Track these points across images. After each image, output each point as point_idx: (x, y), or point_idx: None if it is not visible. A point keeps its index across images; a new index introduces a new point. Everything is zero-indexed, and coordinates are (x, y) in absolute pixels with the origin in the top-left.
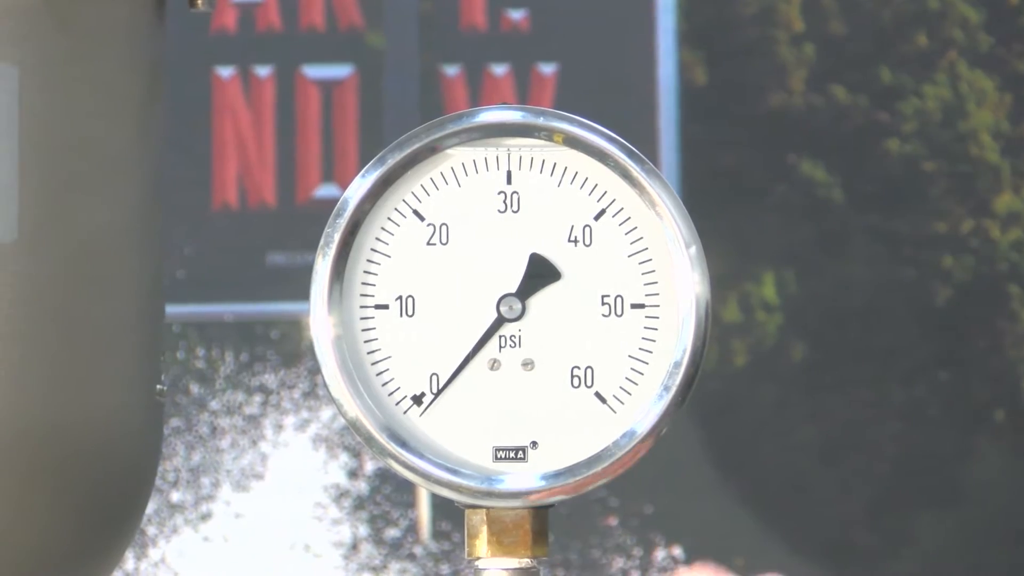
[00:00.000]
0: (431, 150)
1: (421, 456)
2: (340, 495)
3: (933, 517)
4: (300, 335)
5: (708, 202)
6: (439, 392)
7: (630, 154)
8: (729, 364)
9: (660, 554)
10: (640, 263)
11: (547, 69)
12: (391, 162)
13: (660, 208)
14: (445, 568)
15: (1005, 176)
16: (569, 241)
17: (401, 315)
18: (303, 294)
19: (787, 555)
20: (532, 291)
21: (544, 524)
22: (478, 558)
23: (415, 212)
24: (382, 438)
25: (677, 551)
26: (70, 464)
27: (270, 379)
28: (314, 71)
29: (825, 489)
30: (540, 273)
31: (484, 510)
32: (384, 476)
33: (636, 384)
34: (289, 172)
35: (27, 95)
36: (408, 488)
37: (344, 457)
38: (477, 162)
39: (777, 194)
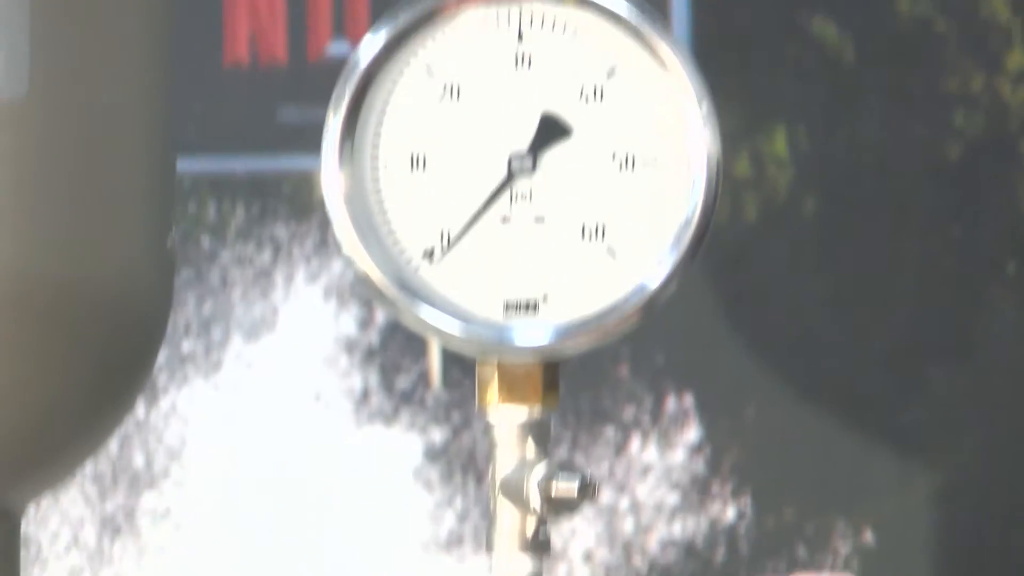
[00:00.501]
0: (443, 8)
1: (432, 311)
2: (351, 345)
3: (946, 369)
4: (311, 189)
5: (719, 60)
6: (450, 246)
7: (642, 12)
8: (740, 218)
9: (671, 403)
10: (651, 120)
11: None
12: (403, 19)
13: (671, 65)
14: (456, 416)
15: (1016, 35)
16: (581, 98)
17: (412, 171)
18: (315, 149)
19: (798, 405)
20: (543, 147)
21: (555, 376)
22: (489, 408)
23: (426, 69)
24: (393, 293)
25: (688, 400)
26: (82, 316)
27: (281, 231)
28: None
29: (837, 341)
30: (551, 130)
31: (495, 363)
32: (395, 326)
33: (647, 240)
34: (300, 29)
35: None
36: (419, 338)
37: (355, 308)
38: (489, 20)
39: (789, 52)
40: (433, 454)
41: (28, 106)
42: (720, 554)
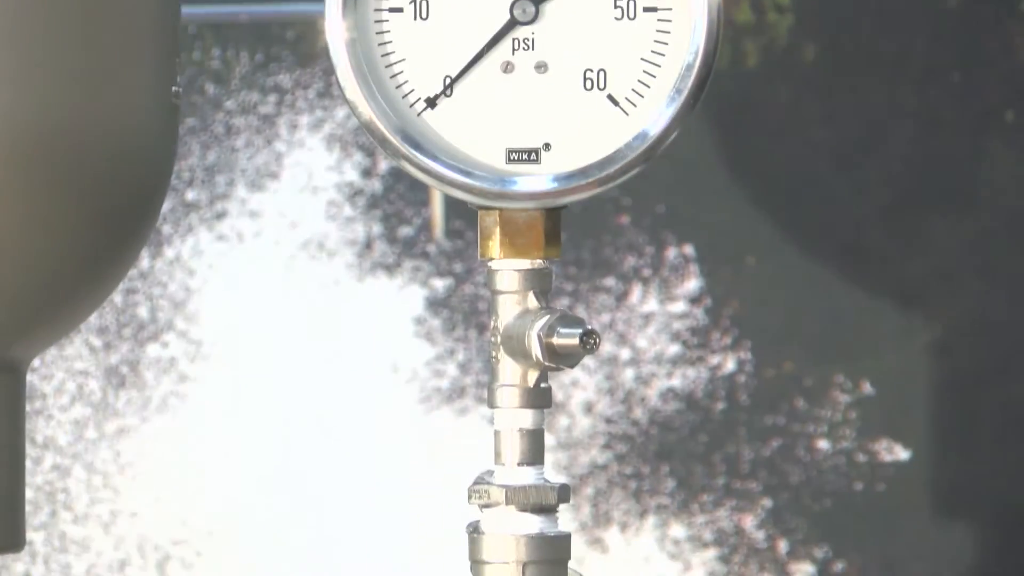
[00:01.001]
0: None
1: (435, 158)
2: (354, 194)
3: (947, 219)
4: (316, 36)
5: None
6: (452, 91)
7: None
8: (741, 65)
9: (672, 252)
10: None
11: None
12: None
13: None
14: (458, 266)
15: None
16: None
17: (415, 18)
18: None
19: (800, 255)
20: None
21: (557, 225)
22: (491, 259)
23: None
24: (396, 140)
25: (688, 250)
26: (86, 166)
27: (285, 79)
28: None
29: (838, 190)
30: None
31: (497, 211)
32: (398, 175)
33: (648, 87)
34: None
35: None
36: (422, 187)
37: (358, 156)
38: None
39: None
40: (435, 304)
41: None
42: (719, 405)
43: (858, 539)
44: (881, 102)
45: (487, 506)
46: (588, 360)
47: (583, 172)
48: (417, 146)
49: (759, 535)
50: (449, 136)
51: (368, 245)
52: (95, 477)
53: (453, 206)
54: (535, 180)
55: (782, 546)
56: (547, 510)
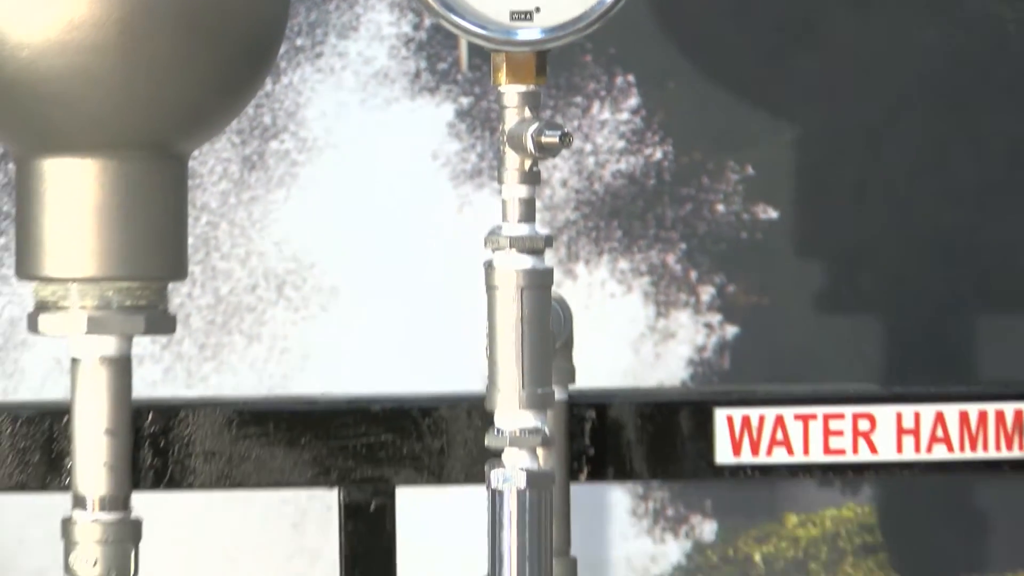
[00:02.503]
0: None
1: (462, 17)
2: (408, 41)
3: (837, 16)
4: None
5: None
6: None
7: None
8: None
9: (619, 80)
10: None
11: None
12: None
13: None
14: (477, 89)
15: None
16: None
17: None
18: None
19: (705, 82)
20: None
21: (544, 62)
22: (500, 84)
23: None
24: (436, 5)
25: (631, 78)
26: (233, 21)
27: None
28: None
29: (729, 29)
30: None
31: (504, 53)
32: (437, 28)
33: None
34: None
35: None
36: (452, 36)
37: (410, 16)
38: None
39: None
40: (462, 114)
41: None
42: (651, 181)
43: (743, 271)
44: None
45: (497, 249)
46: (564, 152)
47: (565, 25)
48: (450, 8)
49: (677, 267)
50: (472, 2)
51: (417, 75)
52: (235, 229)
53: (474, 49)
54: (530, 32)
55: (693, 275)
56: (537, 252)
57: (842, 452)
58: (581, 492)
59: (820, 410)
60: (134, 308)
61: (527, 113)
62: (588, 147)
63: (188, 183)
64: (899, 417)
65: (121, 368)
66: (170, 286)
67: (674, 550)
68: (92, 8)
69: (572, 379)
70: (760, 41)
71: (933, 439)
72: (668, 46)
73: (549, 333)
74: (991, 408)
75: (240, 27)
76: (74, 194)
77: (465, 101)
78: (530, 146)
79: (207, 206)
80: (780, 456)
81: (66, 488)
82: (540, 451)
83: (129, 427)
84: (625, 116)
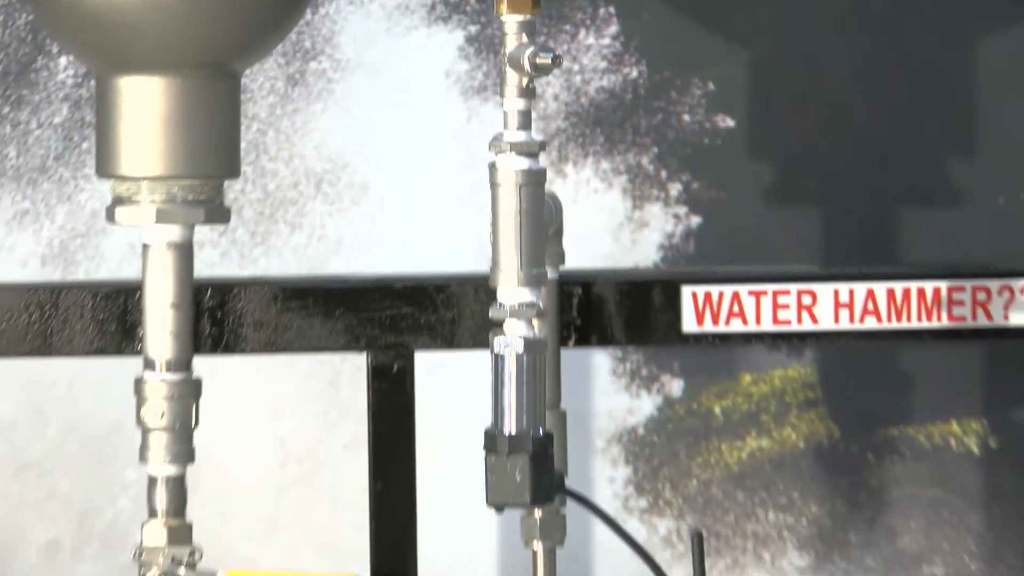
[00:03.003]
0: None
1: None
2: None
3: None
4: None
5: None
6: None
7: None
8: None
9: (602, 11)
10: None
11: None
12: None
13: None
14: (483, 18)
15: None
16: None
17: None
18: None
19: (672, 14)
20: None
21: None
22: (501, 14)
23: None
24: None
25: (612, 9)
26: None
27: None
28: None
29: None
30: None
31: None
32: None
33: None
34: None
35: None
36: None
37: None
38: None
39: None
40: (470, 40)
41: None
42: (628, 95)
43: (706, 171)
44: None
45: (499, 152)
46: (555, 71)
47: None
48: None
49: (650, 167)
50: None
51: (433, 7)
52: (280, 135)
53: None
54: None
55: (663, 174)
56: (533, 155)
57: (788, 323)
58: (569, 356)
59: (770, 287)
60: (195, 202)
61: (524, 39)
62: (575, 67)
63: (241, 97)
64: (836, 293)
65: (184, 252)
66: (225, 183)
67: (647, 404)
68: None
69: (562, 261)
70: None
71: (865, 311)
72: None
73: (543, 223)
74: (913, 286)
75: None
76: (145, 106)
77: (473, 29)
78: (527, 66)
79: (257, 116)
80: (736, 326)
81: (138, 353)
82: (535, 322)
83: (191, 301)
84: (607, 41)
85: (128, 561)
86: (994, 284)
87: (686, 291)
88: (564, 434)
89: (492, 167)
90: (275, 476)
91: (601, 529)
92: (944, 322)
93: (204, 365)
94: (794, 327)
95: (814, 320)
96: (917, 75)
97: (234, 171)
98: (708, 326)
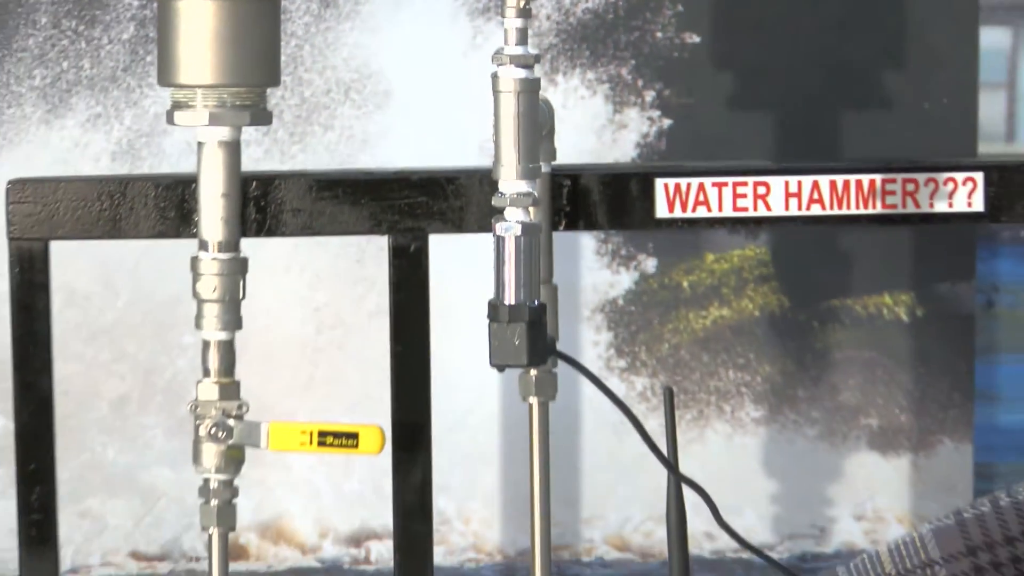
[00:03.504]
0: None
1: None
2: None
3: None
4: None
5: None
6: None
7: None
8: None
9: None
10: None
11: None
12: None
13: None
14: None
15: None
16: None
17: None
18: None
19: None
20: None
21: None
22: None
23: None
24: None
25: None
26: None
27: None
28: None
29: None
30: None
31: None
32: None
33: None
34: None
35: None
36: None
37: None
38: None
39: None
40: None
41: None
42: (610, 16)
43: (676, 81)
44: None
45: (500, 64)
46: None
47: None
48: None
49: (628, 77)
50: None
51: None
52: (315, 49)
53: None
54: None
55: (639, 82)
56: (529, 66)
57: (745, 209)
58: (559, 238)
59: (730, 180)
60: (242, 107)
61: None
62: None
63: (280, 16)
64: (786, 185)
65: (233, 149)
66: (267, 90)
67: (626, 279)
68: None
69: (554, 157)
70: None
71: (811, 200)
72: None
73: (537, 124)
74: (852, 178)
75: None
76: (198, 24)
77: None
78: None
79: (295, 33)
80: (702, 212)
81: (193, 236)
82: (531, 209)
83: (238, 191)
84: None
85: (185, 413)
86: (921, 177)
87: (659, 183)
88: (555, 305)
89: (494, 76)
90: (311, 341)
91: (587, 386)
92: (878, 209)
93: (250, 245)
94: (751, 213)
95: (768, 207)
96: (855, 3)
97: (275, 80)
98: (678, 212)
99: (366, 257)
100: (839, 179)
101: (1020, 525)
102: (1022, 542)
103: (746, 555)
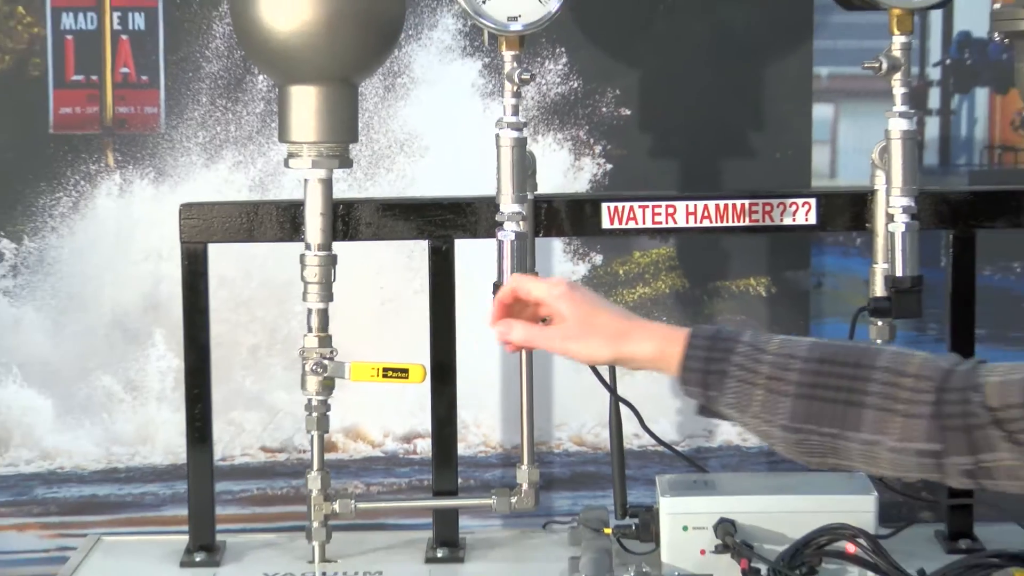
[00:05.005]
0: None
1: (484, 18)
2: (462, 32)
3: None
4: None
5: None
6: None
7: None
8: None
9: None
10: None
11: None
12: None
13: None
14: (493, 53)
15: None
16: None
17: None
18: None
19: None
20: None
21: (523, 40)
22: (502, 50)
23: None
24: (470, 11)
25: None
26: (375, 16)
27: None
28: None
29: None
30: None
31: (503, 35)
32: (474, 24)
33: None
34: None
35: None
36: (479, 29)
37: (462, 21)
38: None
39: None
40: (486, 66)
41: None
42: (572, 96)
43: (615, 140)
44: None
45: (501, 128)
46: (531, 83)
47: (530, 24)
48: (478, 14)
49: (584, 137)
50: (488, 11)
51: (464, 48)
52: (379, 118)
53: (490, 34)
54: (516, 26)
55: (591, 140)
56: (519, 129)
57: (660, 223)
58: (540, 242)
59: (650, 203)
60: (333, 156)
61: (515, 64)
62: (542, 81)
63: (358, 97)
64: (687, 207)
65: (327, 184)
66: (350, 145)
67: (582, 268)
68: (314, 12)
69: (535, 189)
70: None
71: (702, 217)
72: None
73: (525, 168)
74: (730, 202)
75: (382, 20)
76: (305, 102)
77: (487, 60)
78: (516, 80)
79: (367, 108)
80: (631, 224)
81: (301, 240)
82: (521, 223)
83: (331, 211)
84: (559, 67)
85: (296, 356)
86: (774, 201)
87: (604, 206)
88: None
89: (497, 136)
90: (376, 309)
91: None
92: (746, 223)
93: (337, 246)
94: (663, 225)
95: (674, 221)
96: (732, 88)
97: (354, 138)
98: (616, 225)
99: (413, 254)
100: (720, 203)
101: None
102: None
103: (661, 449)
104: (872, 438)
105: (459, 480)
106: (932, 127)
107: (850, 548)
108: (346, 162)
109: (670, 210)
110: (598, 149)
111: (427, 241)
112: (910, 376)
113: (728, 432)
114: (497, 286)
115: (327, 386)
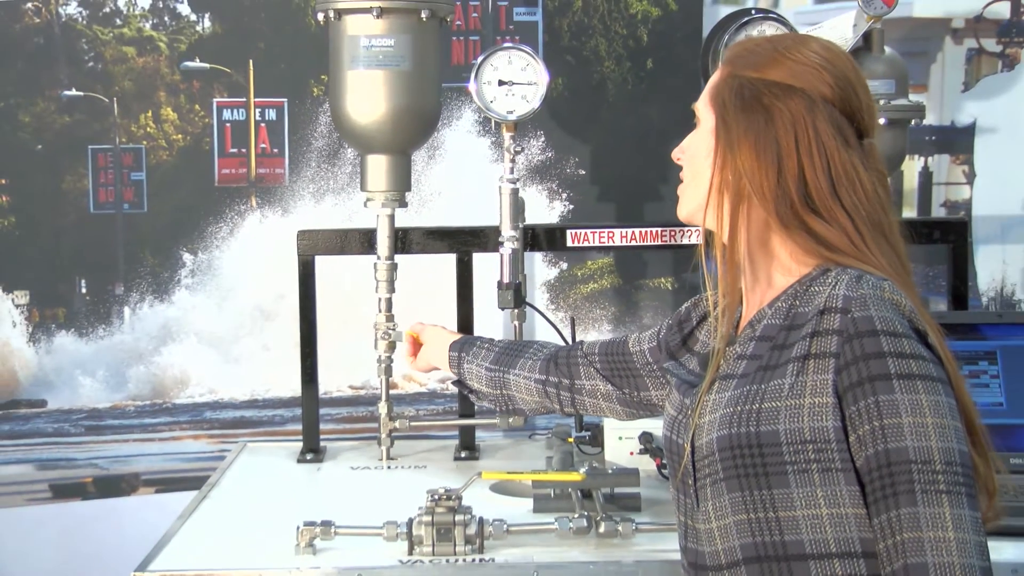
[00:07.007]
0: None
1: (490, 110)
2: (478, 120)
3: None
4: None
5: None
6: None
7: None
8: None
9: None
10: None
11: None
12: None
13: None
14: (497, 134)
15: None
16: None
17: None
18: None
19: None
20: None
21: (517, 124)
22: (503, 132)
23: None
24: (480, 105)
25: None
26: (419, 112)
27: None
28: None
29: None
30: None
31: (504, 122)
32: (482, 113)
33: None
34: None
35: None
36: (487, 117)
37: (479, 111)
38: None
39: None
40: (493, 142)
41: None
42: (547, 163)
43: (575, 191)
44: None
45: (502, 182)
46: (521, 154)
47: (523, 115)
48: (487, 108)
49: (556, 188)
50: (493, 106)
51: (481, 128)
52: (423, 176)
53: (495, 121)
54: (512, 116)
55: (560, 190)
56: (514, 183)
57: (604, 241)
58: (527, 255)
59: (598, 230)
60: (394, 199)
61: (510, 141)
62: (527, 152)
63: (410, 162)
64: (622, 232)
65: (391, 218)
66: (405, 193)
67: (554, 271)
68: (384, 109)
69: (524, 221)
70: None
71: (631, 239)
72: None
73: (518, 207)
74: (648, 229)
75: (426, 114)
76: (377, 166)
77: (493, 138)
78: (511, 151)
79: (416, 168)
80: (586, 243)
81: (374, 253)
82: (516, 242)
83: (393, 234)
84: (539, 142)
85: (370, 327)
86: (676, 229)
87: (568, 231)
88: (525, 283)
89: (499, 188)
90: (422, 298)
91: (538, 316)
92: (660, 242)
93: (397, 258)
94: (606, 243)
95: (613, 241)
96: (651, 158)
97: (408, 188)
98: (577, 244)
99: (445, 263)
100: (646, 229)
101: None
102: None
103: None
104: (519, 372)
105: (475, 407)
106: None
107: None
108: (403, 203)
109: (610, 234)
110: (564, 196)
111: (455, 254)
112: (551, 345)
113: None
114: (500, 284)
115: (391, 346)
